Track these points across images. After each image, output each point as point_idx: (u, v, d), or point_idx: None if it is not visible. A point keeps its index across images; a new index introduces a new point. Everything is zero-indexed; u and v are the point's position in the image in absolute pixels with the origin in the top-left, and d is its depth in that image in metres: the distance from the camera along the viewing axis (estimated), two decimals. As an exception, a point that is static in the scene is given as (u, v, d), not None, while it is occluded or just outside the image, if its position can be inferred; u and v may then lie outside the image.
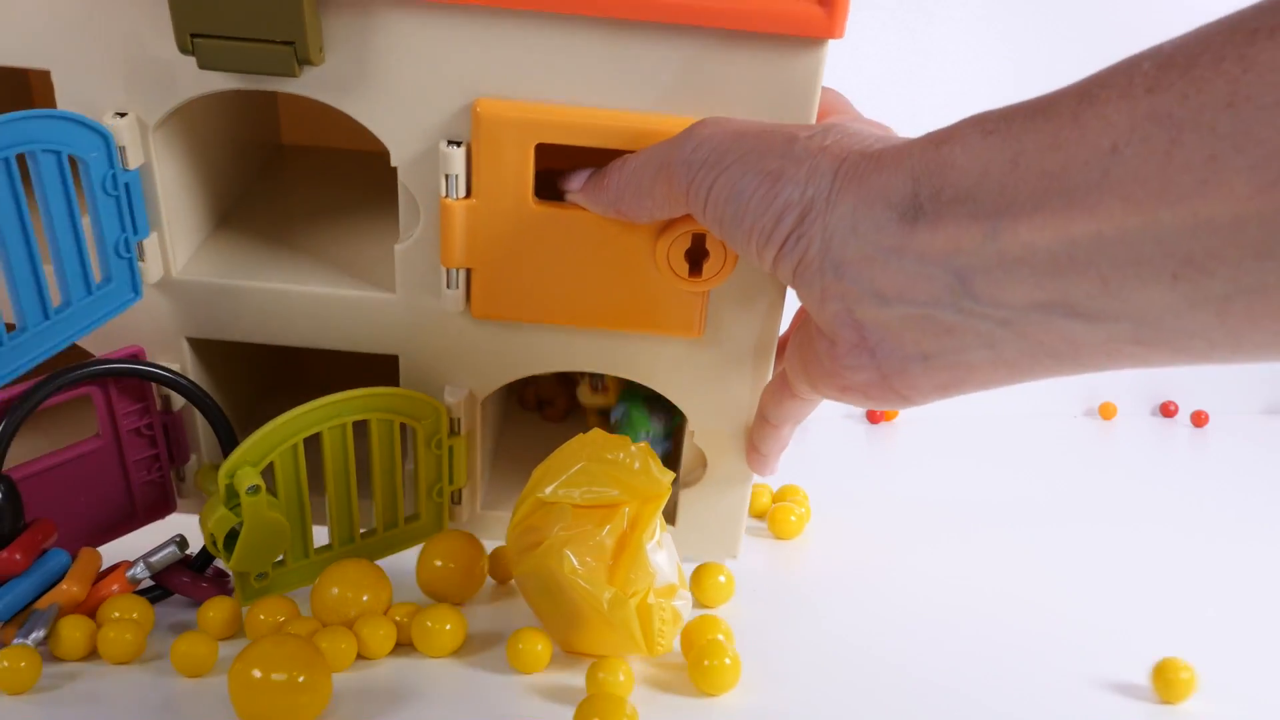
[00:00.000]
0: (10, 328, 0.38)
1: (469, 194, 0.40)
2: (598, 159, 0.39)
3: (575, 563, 0.39)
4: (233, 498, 0.41)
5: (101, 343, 0.44)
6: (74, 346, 0.42)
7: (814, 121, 0.39)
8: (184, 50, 0.37)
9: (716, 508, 0.49)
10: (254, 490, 0.40)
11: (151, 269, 0.42)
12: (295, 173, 0.55)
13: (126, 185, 0.40)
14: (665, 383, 0.45)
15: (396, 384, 0.45)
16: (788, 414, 0.43)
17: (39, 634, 0.40)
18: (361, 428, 0.43)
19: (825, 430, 0.71)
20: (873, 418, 0.71)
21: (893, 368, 0.32)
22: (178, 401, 0.46)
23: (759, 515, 0.56)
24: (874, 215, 0.30)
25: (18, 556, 0.41)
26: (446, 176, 0.39)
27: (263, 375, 0.55)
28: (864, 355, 0.33)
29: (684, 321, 0.43)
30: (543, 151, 0.39)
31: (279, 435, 0.41)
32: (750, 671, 0.41)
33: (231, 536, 0.42)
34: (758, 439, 0.45)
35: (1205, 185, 0.24)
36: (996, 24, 0.71)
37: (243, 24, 0.36)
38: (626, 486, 0.40)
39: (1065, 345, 0.29)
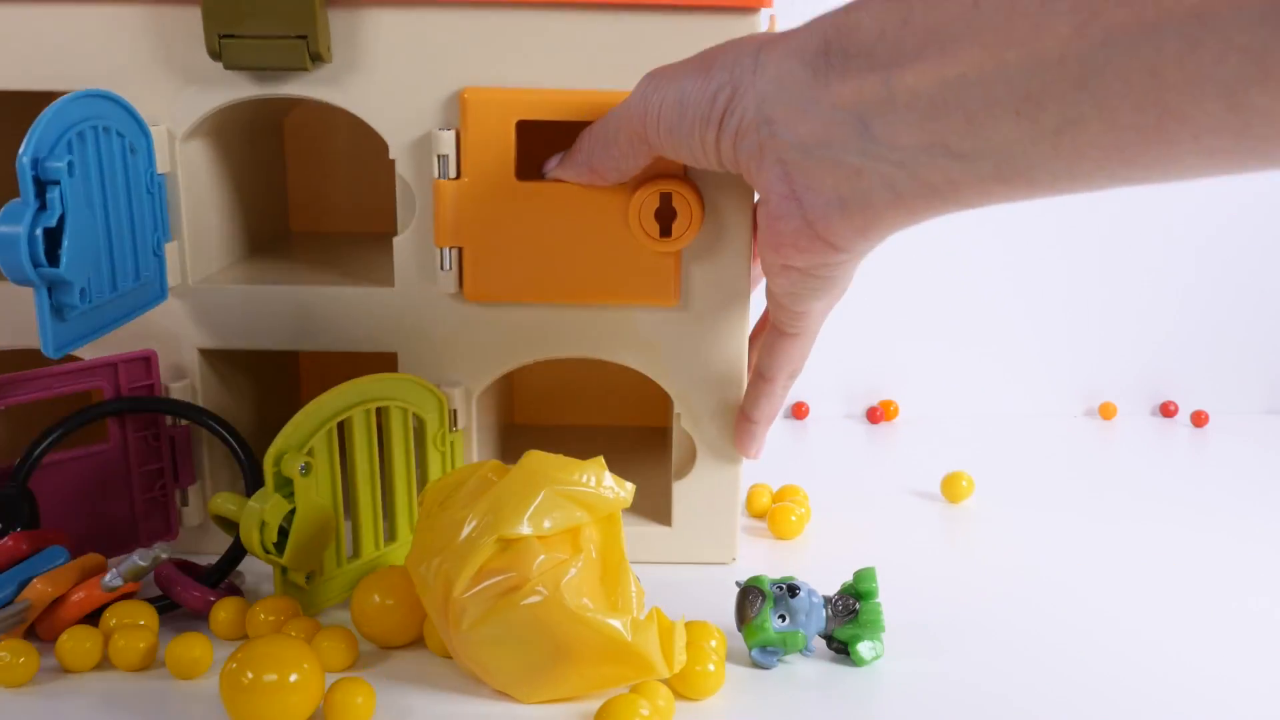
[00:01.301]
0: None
1: (459, 175, 0.45)
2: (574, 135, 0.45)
3: (584, 599, 0.36)
4: (282, 486, 0.41)
5: (116, 344, 0.47)
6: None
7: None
8: (212, 52, 0.43)
9: (711, 502, 0.49)
10: (306, 470, 0.41)
11: (171, 274, 0.46)
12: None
13: (161, 186, 0.45)
14: (648, 361, 0.48)
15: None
16: (779, 357, 0.45)
17: None
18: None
19: (825, 430, 0.72)
20: (873, 417, 0.72)
21: (816, 214, 0.37)
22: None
23: (759, 515, 0.56)
24: (794, 71, 0.35)
25: (24, 546, 0.42)
26: (439, 157, 0.44)
27: (263, 393, 0.57)
28: (792, 204, 0.37)
29: (660, 288, 0.46)
30: (527, 145, 0.45)
31: (316, 418, 0.42)
32: (746, 674, 0.40)
33: (280, 535, 0.41)
34: (749, 403, 0.47)
35: (1039, 29, 0.29)
36: None
37: (263, 22, 0.42)
38: (589, 507, 0.38)
39: (947, 184, 0.34)
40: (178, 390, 0.47)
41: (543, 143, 0.46)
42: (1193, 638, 0.43)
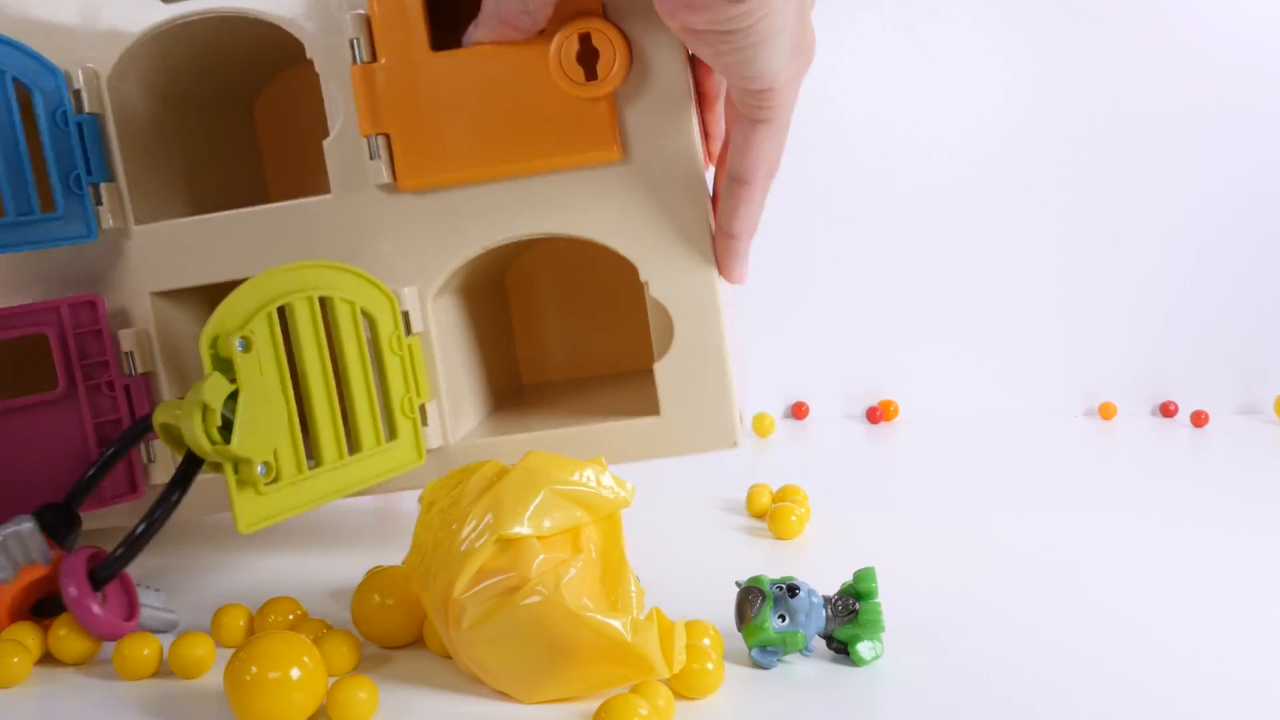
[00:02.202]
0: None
1: (374, 58, 0.43)
2: None
3: (584, 599, 0.36)
4: (222, 370, 0.39)
5: (63, 291, 0.47)
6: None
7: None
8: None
9: (698, 380, 0.45)
10: (244, 345, 0.38)
11: (107, 216, 0.46)
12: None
13: (80, 125, 0.45)
14: (608, 230, 0.44)
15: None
16: (752, 153, 0.42)
17: None
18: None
19: (825, 430, 0.72)
20: (873, 417, 0.71)
21: None
22: (144, 363, 0.46)
23: (759, 515, 0.55)
24: None
25: None
26: (351, 43, 0.43)
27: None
28: None
29: (598, 140, 0.43)
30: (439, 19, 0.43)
31: (253, 300, 0.40)
32: (746, 674, 0.38)
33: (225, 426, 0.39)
34: (726, 215, 0.44)
35: None
36: (995, 23, 0.77)
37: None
38: (590, 507, 0.38)
39: None
40: (127, 338, 0.46)
41: (454, 11, 0.44)
42: (1194, 637, 0.40)
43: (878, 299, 0.78)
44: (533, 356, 0.62)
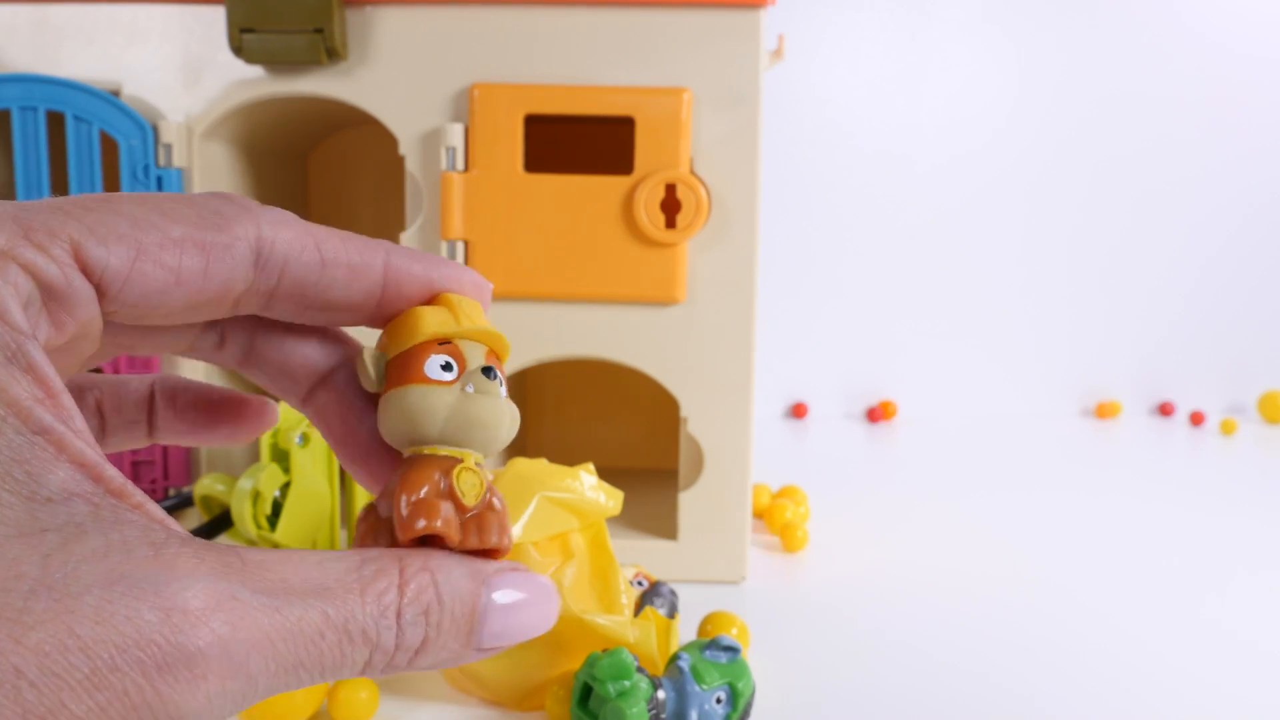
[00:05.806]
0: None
1: (466, 168, 0.45)
2: (579, 133, 0.45)
3: (583, 605, 0.37)
4: (278, 460, 0.41)
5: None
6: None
7: (760, 84, 0.45)
8: (234, 46, 0.45)
9: (719, 514, 0.47)
10: (303, 440, 0.40)
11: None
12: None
13: (160, 179, 0.46)
14: (655, 361, 0.47)
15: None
16: None
17: None
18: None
19: (825, 430, 0.73)
20: (872, 417, 0.73)
21: None
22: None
23: (757, 514, 0.56)
24: None
25: None
26: (447, 150, 0.45)
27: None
28: None
29: (666, 281, 0.45)
30: (533, 140, 0.45)
31: None
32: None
33: (274, 512, 0.41)
34: None
35: None
36: (994, 24, 0.79)
37: (282, 17, 0.44)
38: (581, 513, 0.38)
39: None
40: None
41: (548, 138, 0.47)
42: (1194, 638, 0.42)
43: (877, 299, 0.79)
44: (541, 449, 0.64)
